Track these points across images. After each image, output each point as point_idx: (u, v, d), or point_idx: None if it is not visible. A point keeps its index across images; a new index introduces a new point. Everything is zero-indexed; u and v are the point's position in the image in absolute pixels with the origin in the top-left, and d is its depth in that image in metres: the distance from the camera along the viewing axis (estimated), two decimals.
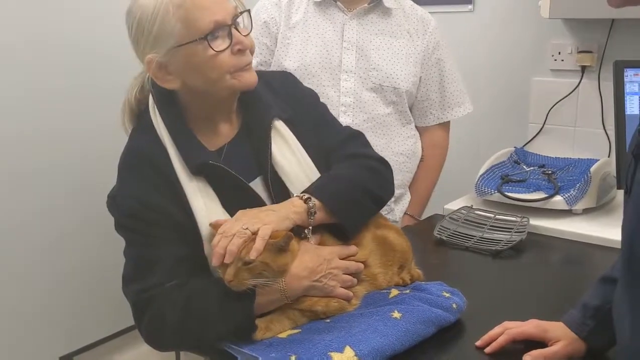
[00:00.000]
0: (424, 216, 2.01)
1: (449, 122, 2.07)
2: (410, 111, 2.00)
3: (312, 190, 1.29)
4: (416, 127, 2.04)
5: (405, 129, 1.95)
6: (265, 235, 1.14)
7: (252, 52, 1.29)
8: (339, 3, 1.90)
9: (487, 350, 1.16)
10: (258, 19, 1.91)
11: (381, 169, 1.43)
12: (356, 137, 1.48)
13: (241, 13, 1.27)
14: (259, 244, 1.13)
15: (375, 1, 1.90)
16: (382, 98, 1.89)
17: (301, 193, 1.29)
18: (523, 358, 1.11)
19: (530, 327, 1.18)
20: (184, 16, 1.19)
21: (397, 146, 1.91)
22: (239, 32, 1.25)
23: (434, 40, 1.96)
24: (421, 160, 2.04)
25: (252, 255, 1.12)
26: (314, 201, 1.26)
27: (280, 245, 1.16)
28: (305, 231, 1.27)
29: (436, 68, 1.98)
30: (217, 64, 1.23)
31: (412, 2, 1.99)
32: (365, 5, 1.89)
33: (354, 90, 1.85)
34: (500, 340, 1.16)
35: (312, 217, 1.25)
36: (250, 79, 1.29)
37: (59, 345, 2.44)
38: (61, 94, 2.34)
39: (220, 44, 1.22)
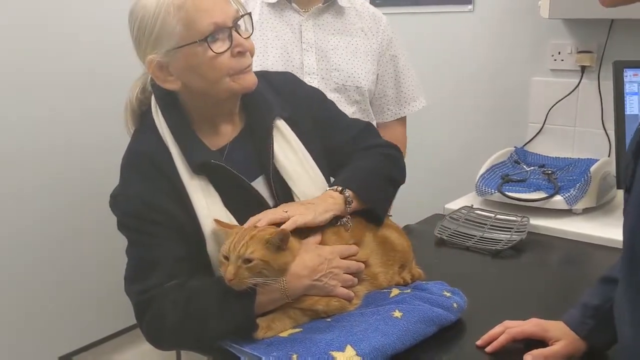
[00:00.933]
0: (424, 215, 2.01)
1: (405, 117, 2.08)
2: None
3: (342, 181, 1.35)
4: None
5: None
6: (296, 222, 1.22)
7: (252, 55, 1.30)
8: (294, 4, 1.89)
9: (488, 349, 1.17)
10: None
11: (397, 156, 1.52)
12: (368, 129, 1.54)
13: (242, 16, 1.28)
14: (288, 224, 1.21)
15: (329, 1, 1.89)
16: (346, 98, 1.89)
17: (332, 186, 1.35)
18: (524, 358, 1.12)
19: (530, 326, 1.18)
20: (184, 17, 1.20)
21: None
22: (239, 34, 1.26)
23: (387, 37, 1.97)
24: None
25: (285, 226, 1.19)
26: (348, 191, 1.33)
27: (275, 242, 1.16)
28: (344, 219, 1.33)
29: (391, 64, 1.99)
30: (216, 65, 1.23)
31: (362, 0, 2.00)
32: (320, 4, 1.89)
33: None
34: (501, 339, 1.17)
35: (349, 206, 1.32)
36: (249, 81, 1.29)
37: (58, 345, 2.44)
38: (64, 95, 2.34)
39: (220, 46, 1.23)
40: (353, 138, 1.48)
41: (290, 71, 1.82)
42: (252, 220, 1.22)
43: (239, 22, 1.27)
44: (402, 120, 2.08)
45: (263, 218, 1.22)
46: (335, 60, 1.87)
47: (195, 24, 1.21)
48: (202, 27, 1.21)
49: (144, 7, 1.22)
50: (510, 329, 1.18)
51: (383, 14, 2.00)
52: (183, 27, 1.20)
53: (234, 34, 1.25)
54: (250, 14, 1.31)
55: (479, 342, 1.19)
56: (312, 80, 1.85)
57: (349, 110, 1.88)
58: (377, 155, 1.46)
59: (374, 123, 2.00)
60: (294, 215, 1.23)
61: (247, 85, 1.29)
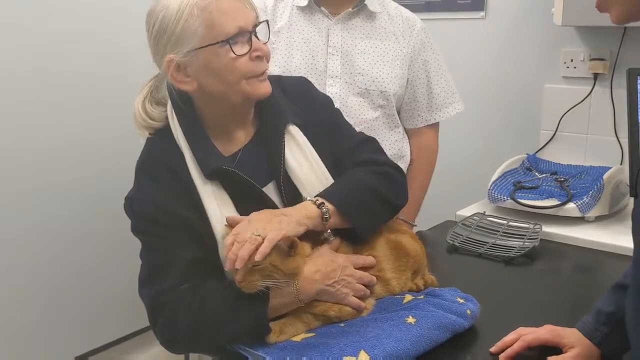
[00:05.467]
0: (436, 221, 2.01)
1: (437, 123, 2.05)
2: (399, 114, 2.00)
3: (325, 194, 1.30)
4: (405, 129, 2.03)
5: (392, 133, 1.94)
6: (273, 240, 1.14)
7: (267, 60, 1.31)
8: (323, 8, 1.90)
9: (502, 356, 1.16)
10: None
11: (394, 175, 1.43)
12: (369, 143, 1.48)
13: (260, 23, 1.30)
14: (264, 246, 1.13)
15: (359, 5, 1.90)
16: (369, 102, 1.88)
17: (315, 197, 1.30)
18: None
19: (544, 332, 1.18)
20: (208, 19, 1.22)
21: (385, 150, 1.88)
22: (258, 39, 1.28)
23: (420, 41, 1.95)
24: (410, 163, 2.02)
25: (258, 257, 1.12)
26: (328, 206, 1.27)
27: (283, 248, 1.16)
28: (325, 234, 1.29)
29: (423, 69, 1.96)
30: (235, 68, 1.25)
31: (396, 5, 1.98)
32: (350, 9, 1.89)
33: (339, 95, 1.84)
34: (515, 347, 1.16)
35: (325, 222, 1.27)
36: (264, 89, 1.30)
37: (75, 345, 2.45)
38: (77, 97, 2.35)
39: (240, 49, 1.24)
40: (351, 149, 1.44)
41: (313, 74, 1.84)
42: (230, 261, 1.13)
43: (257, 28, 1.29)
44: (434, 127, 2.05)
45: (242, 253, 1.12)
46: (360, 64, 1.87)
47: (218, 26, 1.22)
48: (225, 29, 1.23)
49: (166, 7, 1.23)
50: (524, 336, 1.18)
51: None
52: (206, 28, 1.22)
53: (254, 38, 1.27)
54: (267, 21, 1.32)
55: (492, 349, 1.18)
56: (334, 83, 1.86)
57: (373, 115, 1.88)
58: (371, 172, 1.39)
59: (400, 128, 1.98)
60: (267, 232, 1.16)
61: (261, 92, 1.30)
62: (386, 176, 1.40)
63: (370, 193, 1.35)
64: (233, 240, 1.15)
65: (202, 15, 1.21)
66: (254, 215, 1.23)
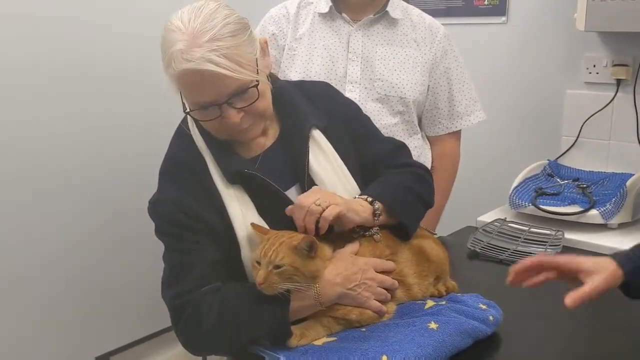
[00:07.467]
0: (456, 227, 2.00)
1: (459, 131, 2.04)
2: (420, 120, 1.99)
3: (372, 192, 1.33)
4: (427, 136, 2.03)
5: (412, 140, 1.94)
6: (330, 216, 1.21)
7: (241, 127, 1.27)
8: (344, 15, 1.90)
9: (512, 269, 1.20)
10: (266, 31, 1.94)
11: (427, 176, 1.49)
12: (401, 149, 1.52)
13: (249, 88, 1.23)
14: (323, 223, 1.21)
15: (380, 12, 1.90)
16: (388, 108, 1.88)
17: (361, 195, 1.33)
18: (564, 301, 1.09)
19: (562, 257, 1.17)
20: (177, 82, 1.21)
21: None
22: (234, 107, 1.23)
23: (442, 48, 1.94)
24: (431, 170, 1.99)
25: (322, 221, 1.21)
26: (378, 204, 1.31)
27: (303, 248, 1.17)
28: (374, 229, 1.32)
29: (444, 77, 1.96)
30: (204, 124, 1.28)
31: (420, 11, 1.98)
32: (371, 16, 1.90)
33: (358, 100, 1.83)
34: (527, 261, 1.19)
35: (377, 219, 1.31)
36: (245, 137, 1.31)
37: (95, 345, 2.46)
38: (92, 92, 2.35)
39: (207, 114, 1.24)
40: (385, 155, 1.46)
41: (333, 79, 1.85)
42: (300, 228, 1.24)
43: (237, 96, 1.22)
44: (455, 135, 2.05)
45: (309, 225, 1.22)
46: (380, 70, 1.87)
47: (184, 93, 1.23)
48: (189, 99, 1.24)
49: (162, 36, 1.23)
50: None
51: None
52: (174, 85, 1.23)
53: (225, 107, 1.23)
54: (257, 84, 1.23)
55: (509, 280, 1.20)
56: (353, 89, 1.86)
57: (392, 120, 1.88)
58: (408, 174, 1.44)
59: (419, 135, 1.98)
60: (327, 204, 1.23)
61: (243, 139, 1.32)
62: (420, 177, 1.47)
63: (411, 193, 1.41)
64: (294, 209, 1.24)
65: (172, 78, 1.21)
66: (315, 188, 1.30)
